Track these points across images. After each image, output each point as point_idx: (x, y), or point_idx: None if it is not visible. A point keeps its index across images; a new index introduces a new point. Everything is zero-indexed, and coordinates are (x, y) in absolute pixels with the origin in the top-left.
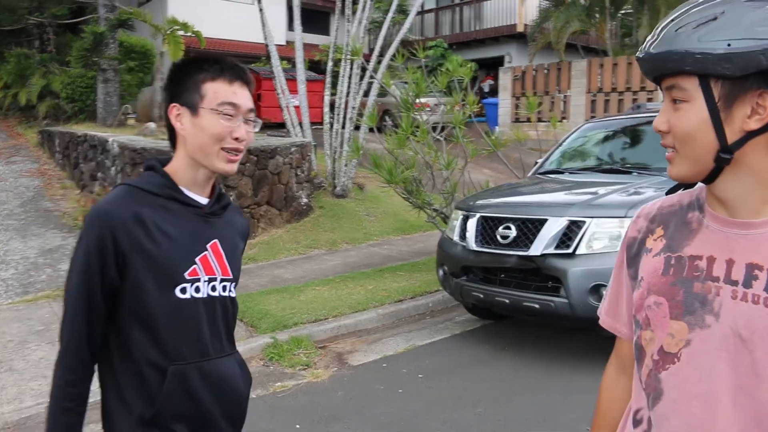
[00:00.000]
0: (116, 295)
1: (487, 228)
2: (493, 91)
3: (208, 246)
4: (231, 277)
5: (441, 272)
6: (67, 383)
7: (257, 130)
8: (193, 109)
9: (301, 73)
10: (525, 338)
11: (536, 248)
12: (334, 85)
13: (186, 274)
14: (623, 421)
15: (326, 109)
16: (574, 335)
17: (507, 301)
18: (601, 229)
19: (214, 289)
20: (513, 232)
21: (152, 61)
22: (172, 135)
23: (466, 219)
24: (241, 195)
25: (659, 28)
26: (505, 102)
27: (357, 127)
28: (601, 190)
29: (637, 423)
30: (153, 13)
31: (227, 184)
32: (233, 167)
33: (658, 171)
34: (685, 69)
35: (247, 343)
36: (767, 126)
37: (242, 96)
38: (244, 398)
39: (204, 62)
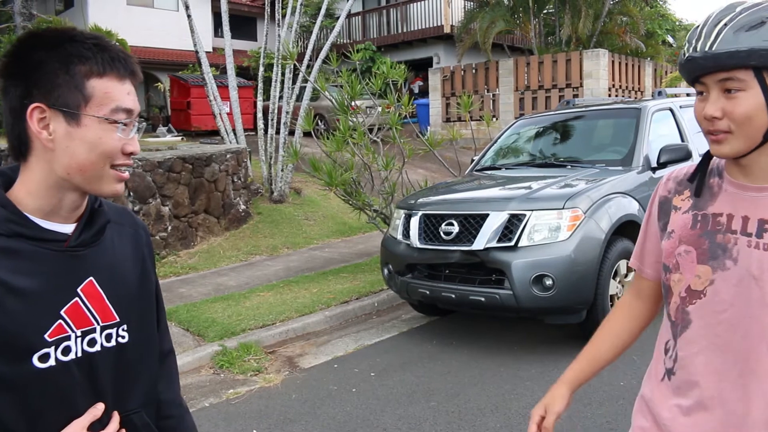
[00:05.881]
0: None
1: (430, 225)
2: (423, 92)
3: (79, 290)
4: (116, 320)
5: (386, 271)
6: None
7: (141, 135)
8: (72, 115)
9: (232, 79)
10: (471, 332)
11: (479, 243)
12: (265, 90)
13: (47, 336)
14: (656, 352)
15: (259, 114)
16: (519, 326)
17: (453, 296)
18: (541, 221)
19: (92, 343)
20: (456, 228)
21: None
22: (21, 144)
23: (408, 217)
24: (177, 204)
25: (713, 32)
26: (435, 102)
27: (291, 132)
28: (539, 184)
29: (666, 351)
30: (74, 21)
31: (163, 194)
32: (122, 187)
33: (589, 163)
34: (750, 63)
35: (195, 352)
36: None
37: (134, 97)
38: None
39: (81, 45)
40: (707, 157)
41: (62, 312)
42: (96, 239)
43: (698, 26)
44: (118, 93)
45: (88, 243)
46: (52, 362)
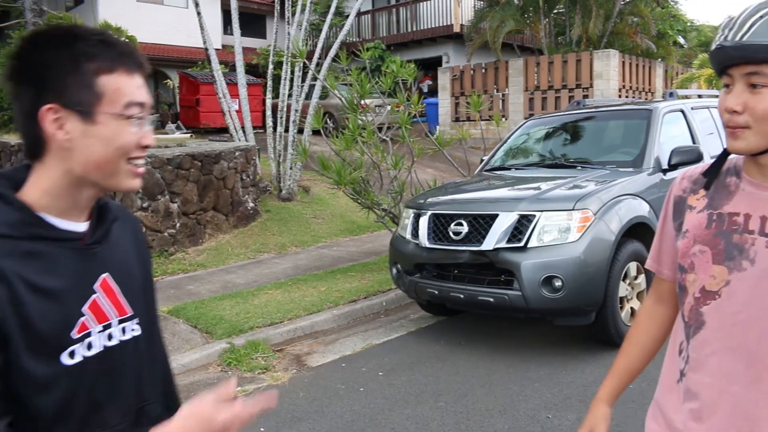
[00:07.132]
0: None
1: (439, 225)
2: (432, 92)
3: (96, 286)
4: (130, 314)
5: (394, 270)
6: None
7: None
8: (86, 114)
9: (242, 76)
10: (479, 332)
11: (488, 243)
12: (274, 88)
13: (73, 334)
14: (669, 353)
15: (268, 112)
16: (527, 327)
17: (462, 296)
18: (550, 222)
19: (110, 337)
20: (465, 228)
21: None
22: (36, 144)
23: (417, 217)
24: (186, 201)
25: (747, 23)
26: (444, 102)
27: (300, 130)
28: (548, 185)
29: (680, 352)
30: (84, 17)
31: (171, 191)
32: (139, 182)
33: (600, 165)
34: None
35: (203, 350)
36: None
37: (145, 90)
38: None
39: (87, 42)
40: (725, 153)
41: (84, 309)
42: (106, 235)
43: (735, 16)
44: (129, 87)
45: (101, 240)
46: (79, 358)
